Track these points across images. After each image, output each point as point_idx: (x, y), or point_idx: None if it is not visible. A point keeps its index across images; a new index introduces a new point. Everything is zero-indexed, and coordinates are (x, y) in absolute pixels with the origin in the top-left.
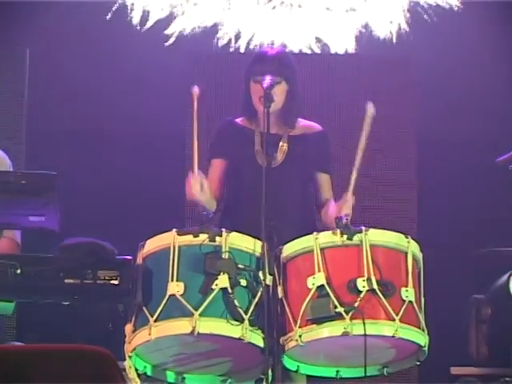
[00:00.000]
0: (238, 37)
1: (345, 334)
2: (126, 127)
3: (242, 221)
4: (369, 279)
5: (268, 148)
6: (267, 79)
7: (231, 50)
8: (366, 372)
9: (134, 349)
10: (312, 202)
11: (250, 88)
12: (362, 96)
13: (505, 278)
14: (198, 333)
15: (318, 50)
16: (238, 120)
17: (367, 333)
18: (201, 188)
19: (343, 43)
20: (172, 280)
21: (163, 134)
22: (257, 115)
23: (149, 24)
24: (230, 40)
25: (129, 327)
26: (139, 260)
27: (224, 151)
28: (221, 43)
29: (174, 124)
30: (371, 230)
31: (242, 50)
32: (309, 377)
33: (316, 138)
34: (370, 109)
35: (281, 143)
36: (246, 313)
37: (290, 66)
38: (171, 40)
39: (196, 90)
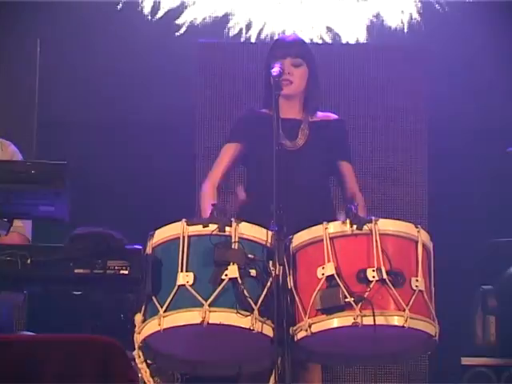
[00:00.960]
0: (248, 27)
1: (354, 325)
2: (136, 116)
3: (262, 203)
4: (378, 269)
5: (288, 132)
6: (276, 67)
7: (242, 39)
8: (376, 362)
9: (144, 339)
10: (329, 187)
11: (270, 80)
12: (373, 86)
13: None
14: (208, 323)
15: (328, 40)
16: (263, 110)
17: (377, 323)
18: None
19: (354, 33)
20: (182, 270)
21: (173, 123)
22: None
23: (160, 14)
24: (240, 30)
25: (138, 317)
26: (149, 250)
27: (241, 136)
28: (232, 33)
29: (184, 113)
30: (381, 220)
31: (253, 40)
32: (325, 372)
33: (336, 126)
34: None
35: (302, 126)
36: (255, 303)
37: (310, 51)
38: (182, 30)
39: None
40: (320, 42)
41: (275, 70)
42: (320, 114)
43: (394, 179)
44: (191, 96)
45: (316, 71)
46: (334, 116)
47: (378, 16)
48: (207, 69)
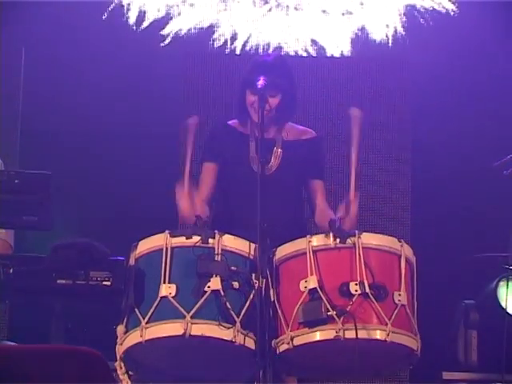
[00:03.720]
0: (234, 38)
1: (337, 338)
2: (121, 127)
3: (235, 223)
4: (361, 283)
5: (262, 154)
6: (261, 80)
7: (227, 51)
8: (357, 376)
9: (126, 350)
10: (303, 206)
11: (245, 97)
12: (358, 99)
13: (494, 283)
14: (190, 335)
15: (313, 53)
16: (231, 123)
17: (359, 337)
18: (190, 204)
19: (339, 46)
20: (164, 282)
21: (158, 135)
22: (251, 122)
23: (145, 24)
24: (225, 41)
25: (120, 328)
26: (132, 261)
27: (217, 155)
28: (217, 44)
29: (169, 125)
30: (364, 234)
31: (238, 52)
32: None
33: (310, 145)
34: (356, 112)
35: (275, 148)
36: (237, 315)
37: (287, 76)
38: (167, 40)
39: (195, 120)
40: (305, 54)
41: (261, 83)
42: (296, 129)
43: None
44: (175, 106)
45: (288, 94)
46: (310, 133)
47: (362, 29)
48: (192, 80)
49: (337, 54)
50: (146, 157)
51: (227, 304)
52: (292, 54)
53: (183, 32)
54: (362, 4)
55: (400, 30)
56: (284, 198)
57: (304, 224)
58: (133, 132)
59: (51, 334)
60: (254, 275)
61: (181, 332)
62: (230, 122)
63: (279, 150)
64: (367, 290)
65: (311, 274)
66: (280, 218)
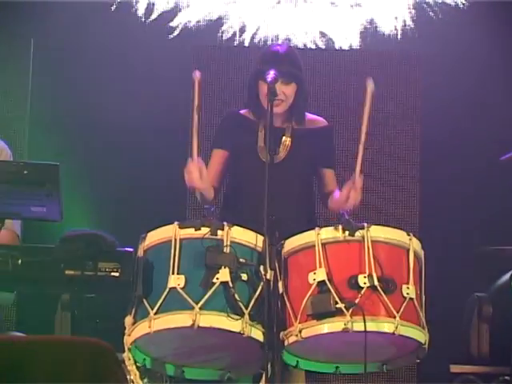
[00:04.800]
0: (242, 30)
1: (345, 331)
2: (129, 118)
3: (243, 214)
4: (370, 276)
5: (271, 143)
6: (271, 73)
7: (235, 43)
8: (365, 368)
9: (134, 341)
10: (313, 197)
11: (258, 87)
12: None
13: (507, 276)
14: (199, 326)
15: (322, 45)
16: (243, 112)
17: (367, 329)
18: (200, 175)
19: (348, 39)
20: (173, 273)
21: (166, 126)
22: (263, 111)
23: (153, 16)
24: (234, 33)
25: (129, 319)
26: (140, 252)
27: (226, 142)
28: (225, 36)
29: (177, 116)
30: (373, 227)
31: (247, 44)
32: (308, 372)
33: (321, 134)
34: (370, 84)
35: (284, 138)
36: (246, 307)
37: (299, 66)
38: (176, 32)
39: (197, 74)
40: (313, 47)
41: (270, 76)
42: (307, 117)
43: (386, 183)
44: (184, 99)
45: (304, 85)
46: (320, 122)
47: (371, 22)
48: (200, 71)
49: (345, 47)
50: (156, 146)
51: (236, 296)
52: (301, 46)
53: (192, 24)
54: None
55: (409, 23)
56: (292, 187)
57: (312, 214)
58: (141, 124)
59: (56, 324)
60: (262, 267)
61: (189, 323)
62: (241, 112)
63: (288, 138)
64: (376, 282)
65: (320, 267)
66: (287, 209)
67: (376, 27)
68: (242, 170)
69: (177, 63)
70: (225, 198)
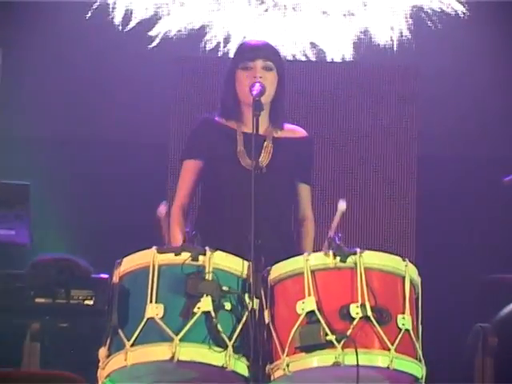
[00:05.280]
0: (227, 40)
1: (336, 364)
2: (106, 136)
3: (223, 223)
4: (363, 305)
5: (250, 150)
6: (257, 86)
7: (220, 54)
8: None
9: (108, 375)
10: (290, 215)
11: (235, 80)
12: (360, 107)
13: None
14: (178, 360)
15: (313, 57)
16: (216, 118)
17: (360, 363)
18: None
19: (340, 50)
20: (151, 302)
21: (146, 144)
22: (239, 112)
23: (132, 24)
24: (218, 43)
25: (103, 351)
26: (115, 279)
27: (200, 151)
28: (209, 47)
29: (157, 134)
30: (366, 252)
31: (232, 55)
32: None
33: (300, 144)
34: (343, 205)
35: (265, 144)
36: (229, 339)
37: (280, 55)
38: (155, 42)
39: (163, 210)
40: (303, 58)
41: (256, 89)
42: (287, 127)
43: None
44: (164, 111)
45: (284, 79)
46: (301, 133)
47: (366, 32)
48: (182, 84)
49: (338, 59)
50: (134, 162)
51: (218, 326)
52: (290, 58)
53: (173, 33)
54: (364, 5)
55: (406, 33)
56: (274, 198)
57: (291, 235)
58: (118, 141)
59: (24, 356)
60: (247, 295)
61: (168, 356)
62: (215, 118)
63: (269, 145)
64: (369, 312)
65: (309, 295)
66: (271, 223)
67: (370, 38)
68: (222, 178)
69: (157, 75)
70: (202, 206)
